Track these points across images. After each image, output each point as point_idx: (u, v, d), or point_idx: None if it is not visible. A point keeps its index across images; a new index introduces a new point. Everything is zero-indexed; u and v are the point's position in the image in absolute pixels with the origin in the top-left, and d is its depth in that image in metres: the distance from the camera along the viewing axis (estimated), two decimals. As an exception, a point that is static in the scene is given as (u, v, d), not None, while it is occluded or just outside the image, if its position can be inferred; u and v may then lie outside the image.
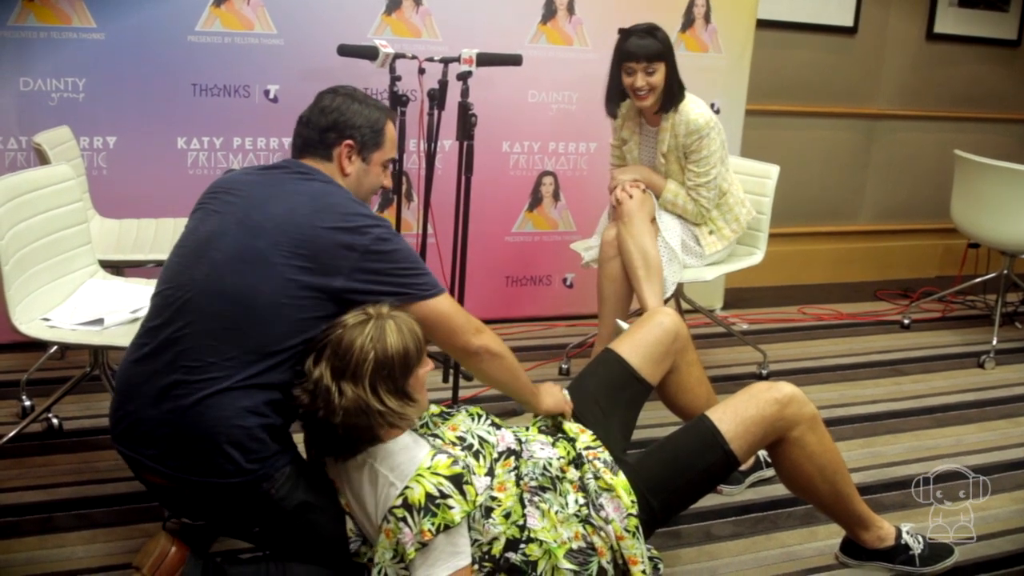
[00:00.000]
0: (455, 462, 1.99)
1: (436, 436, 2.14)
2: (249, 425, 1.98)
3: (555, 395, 2.40)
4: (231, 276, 2.01)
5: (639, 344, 2.53)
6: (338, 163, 2.22)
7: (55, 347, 3.41)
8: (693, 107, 3.27)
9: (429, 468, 1.96)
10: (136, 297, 2.79)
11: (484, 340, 2.21)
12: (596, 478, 2.20)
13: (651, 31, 3.22)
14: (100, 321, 2.63)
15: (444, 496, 1.92)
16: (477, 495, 2.01)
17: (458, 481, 1.96)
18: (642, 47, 3.18)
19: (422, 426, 2.18)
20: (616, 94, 3.39)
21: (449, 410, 2.28)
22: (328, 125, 2.21)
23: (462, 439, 2.15)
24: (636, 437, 2.54)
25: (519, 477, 2.16)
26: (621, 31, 3.28)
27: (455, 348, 2.21)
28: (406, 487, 1.94)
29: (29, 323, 2.59)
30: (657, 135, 3.36)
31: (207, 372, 1.98)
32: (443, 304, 2.16)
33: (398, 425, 2.03)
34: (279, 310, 2.00)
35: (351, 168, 2.23)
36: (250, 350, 1.99)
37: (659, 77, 3.21)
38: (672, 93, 3.27)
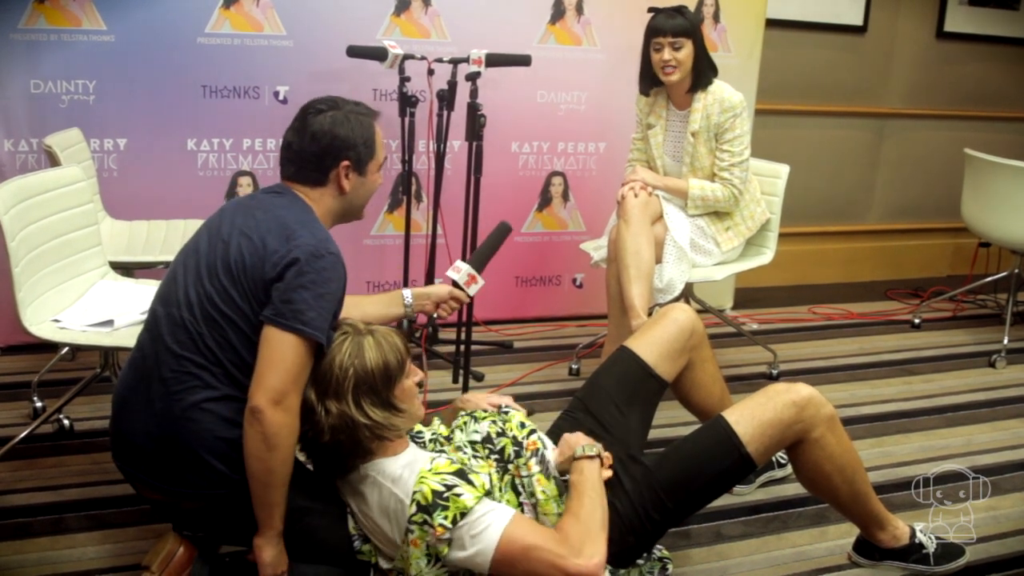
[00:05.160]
0: (453, 462, 2.01)
1: (441, 452, 2.16)
2: (229, 436, 2.00)
3: (277, 549, 2.07)
4: (194, 292, 2.04)
5: (654, 341, 2.52)
6: (335, 184, 2.16)
7: (66, 348, 3.42)
8: (726, 88, 3.37)
9: (430, 469, 1.98)
10: (146, 299, 2.76)
11: (271, 409, 1.90)
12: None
13: (679, 9, 3.33)
14: (110, 322, 2.64)
15: (450, 487, 1.94)
16: (484, 484, 2.01)
17: (462, 474, 1.98)
18: (669, 22, 3.28)
19: (431, 441, 2.18)
20: (648, 74, 3.43)
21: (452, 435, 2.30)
22: (322, 151, 2.13)
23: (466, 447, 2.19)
24: (651, 436, 2.53)
25: (507, 462, 2.16)
26: (651, 9, 3.37)
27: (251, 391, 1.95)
28: (414, 493, 1.95)
29: (40, 324, 2.60)
30: (688, 116, 3.39)
31: (184, 383, 2.01)
32: (289, 347, 1.94)
33: (387, 437, 2.03)
34: (233, 326, 2.00)
35: (349, 185, 2.17)
36: (217, 362, 2.01)
37: (686, 53, 3.29)
38: (702, 72, 3.35)
